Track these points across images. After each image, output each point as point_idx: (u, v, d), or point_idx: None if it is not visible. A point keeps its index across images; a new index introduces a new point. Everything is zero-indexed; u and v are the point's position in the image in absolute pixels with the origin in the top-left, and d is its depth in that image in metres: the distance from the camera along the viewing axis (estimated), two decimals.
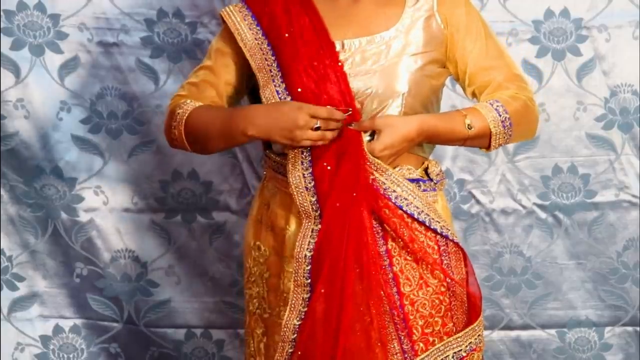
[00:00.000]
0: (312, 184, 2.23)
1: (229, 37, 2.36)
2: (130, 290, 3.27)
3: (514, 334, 3.31)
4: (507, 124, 2.28)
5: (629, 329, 3.30)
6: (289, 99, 2.24)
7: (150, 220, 3.24)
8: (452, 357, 2.28)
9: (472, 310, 2.31)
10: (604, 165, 3.20)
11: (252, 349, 2.45)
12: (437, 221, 2.28)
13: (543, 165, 3.21)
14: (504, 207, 3.24)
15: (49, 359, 3.33)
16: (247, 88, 2.41)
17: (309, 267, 2.24)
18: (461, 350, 2.29)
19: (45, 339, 3.32)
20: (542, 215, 3.23)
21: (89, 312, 3.30)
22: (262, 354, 2.40)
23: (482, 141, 2.30)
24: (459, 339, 2.29)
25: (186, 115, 2.31)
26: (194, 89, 2.38)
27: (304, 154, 2.23)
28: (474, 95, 2.37)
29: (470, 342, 2.30)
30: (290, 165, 2.24)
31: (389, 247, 2.25)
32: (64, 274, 3.28)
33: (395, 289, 2.24)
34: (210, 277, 3.28)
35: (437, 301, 2.28)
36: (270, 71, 2.28)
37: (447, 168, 3.19)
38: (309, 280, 2.25)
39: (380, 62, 2.28)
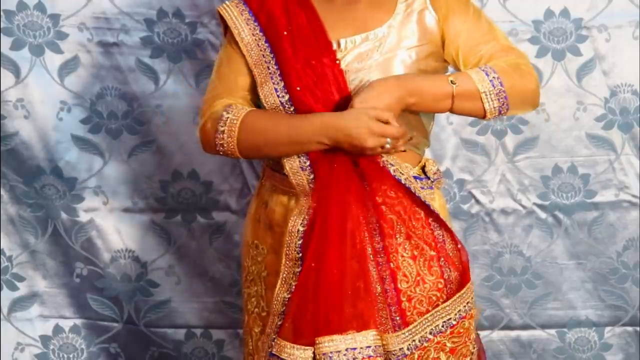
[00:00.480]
0: (308, 163, 2.24)
1: (230, 30, 2.35)
2: (130, 290, 3.28)
3: (514, 334, 3.30)
4: (497, 83, 2.24)
5: (629, 329, 3.30)
6: (287, 97, 2.25)
7: (150, 220, 3.24)
8: (442, 325, 2.27)
9: (462, 278, 2.30)
10: (604, 165, 3.20)
11: (251, 348, 2.46)
12: (420, 190, 2.29)
13: (543, 165, 3.21)
14: (504, 207, 3.24)
15: (49, 359, 3.33)
16: None
17: (300, 242, 2.26)
18: (450, 318, 2.28)
19: (45, 339, 3.32)
20: (542, 215, 3.23)
21: (89, 312, 3.30)
22: (260, 352, 2.41)
23: (474, 104, 2.25)
24: (447, 308, 2.28)
25: (239, 120, 2.26)
26: (225, 83, 2.35)
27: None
28: None
29: (459, 310, 2.29)
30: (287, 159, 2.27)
31: (386, 244, 2.25)
32: (64, 274, 3.28)
33: (392, 285, 2.24)
34: (210, 277, 3.28)
35: (433, 298, 2.29)
36: (268, 68, 2.29)
37: (447, 168, 3.19)
38: (300, 255, 2.26)
39: (375, 58, 2.28)
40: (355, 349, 2.22)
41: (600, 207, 3.22)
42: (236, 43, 2.34)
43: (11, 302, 3.29)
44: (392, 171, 2.26)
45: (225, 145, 2.28)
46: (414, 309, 2.26)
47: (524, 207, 3.23)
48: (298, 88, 2.25)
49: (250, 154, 2.31)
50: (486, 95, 2.24)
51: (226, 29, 2.38)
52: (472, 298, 2.32)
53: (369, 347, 2.23)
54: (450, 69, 2.41)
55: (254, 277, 2.43)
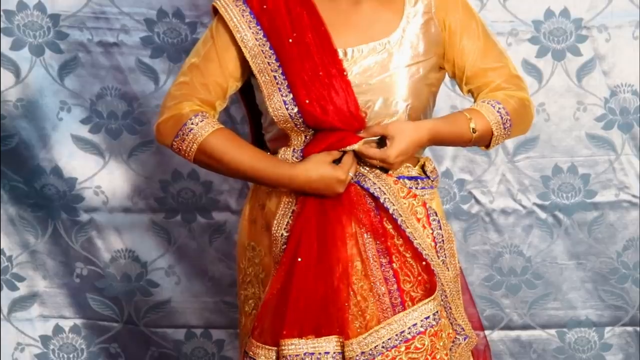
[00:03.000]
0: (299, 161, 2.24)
1: (225, 27, 2.27)
2: (130, 290, 3.28)
3: (514, 334, 3.30)
4: (508, 125, 2.30)
5: (629, 329, 3.30)
6: (296, 109, 2.21)
7: (150, 220, 3.24)
8: (396, 339, 2.20)
9: (425, 292, 2.25)
10: (604, 165, 3.20)
11: None
12: (423, 248, 2.26)
13: (543, 165, 3.21)
14: (504, 207, 3.24)
15: (49, 359, 3.33)
16: (246, 76, 2.33)
17: (284, 247, 2.25)
18: (404, 332, 2.21)
19: (45, 339, 3.32)
20: (542, 215, 3.23)
21: (89, 312, 3.30)
22: None
23: (483, 142, 2.33)
24: (399, 320, 2.21)
25: (203, 137, 2.22)
26: (197, 84, 2.28)
27: (296, 151, 2.25)
28: (470, 92, 2.37)
29: (416, 324, 2.21)
30: (283, 148, 2.27)
31: (389, 244, 2.24)
32: (64, 274, 3.28)
33: (395, 286, 2.24)
34: (210, 277, 3.28)
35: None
36: (275, 78, 2.23)
37: (447, 168, 3.19)
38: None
39: (383, 72, 2.25)
40: (313, 354, 2.20)
41: (600, 207, 3.22)
42: (233, 42, 2.27)
43: (11, 302, 3.29)
44: (382, 200, 2.24)
45: (181, 152, 2.26)
46: None
47: (524, 207, 3.23)
48: (307, 101, 2.21)
49: (204, 168, 2.32)
50: (497, 137, 2.31)
51: (217, 22, 2.30)
52: (435, 315, 2.23)
53: (328, 353, 2.20)
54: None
55: (251, 279, 2.42)
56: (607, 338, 3.31)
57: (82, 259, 3.26)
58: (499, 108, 2.29)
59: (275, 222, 2.28)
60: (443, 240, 2.31)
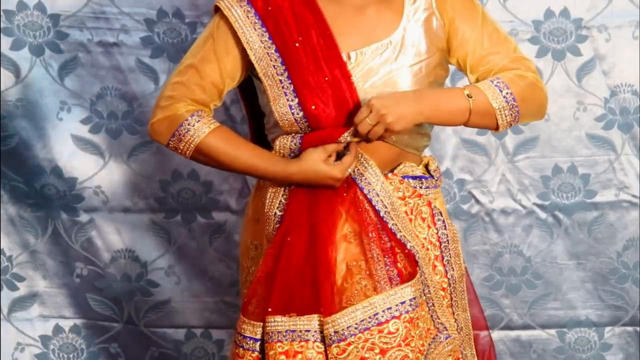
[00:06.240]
0: (298, 146, 2.23)
1: (227, 27, 2.26)
2: (130, 290, 3.28)
3: (514, 334, 3.31)
4: (510, 98, 2.22)
5: (629, 329, 3.30)
6: (301, 114, 2.21)
7: (150, 220, 3.24)
8: (369, 321, 2.18)
9: (405, 277, 2.23)
10: (604, 165, 3.20)
11: None
12: (408, 240, 2.25)
13: (543, 165, 3.21)
14: (504, 207, 3.24)
15: (49, 359, 3.33)
16: (243, 76, 2.33)
17: (277, 226, 2.25)
18: (377, 314, 2.19)
19: (45, 339, 3.32)
20: (542, 215, 3.23)
21: (89, 312, 3.30)
22: None
23: (488, 119, 2.24)
24: (374, 302, 2.19)
25: (200, 139, 2.23)
26: (193, 84, 2.27)
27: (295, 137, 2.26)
28: (477, 81, 2.32)
29: (390, 308, 2.19)
30: (282, 135, 2.26)
31: (393, 244, 2.24)
32: (64, 274, 3.28)
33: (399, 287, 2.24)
34: (210, 277, 3.28)
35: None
36: (281, 82, 2.22)
37: (447, 168, 3.19)
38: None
39: (386, 74, 2.24)
40: (294, 331, 2.21)
41: (600, 207, 3.22)
42: (236, 43, 2.25)
43: (11, 302, 3.29)
44: (374, 202, 2.24)
45: (178, 151, 2.27)
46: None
47: (524, 207, 3.23)
48: (313, 107, 2.20)
49: (202, 164, 2.33)
50: (500, 111, 2.22)
51: (219, 22, 2.28)
52: (412, 301, 2.20)
53: (309, 331, 2.21)
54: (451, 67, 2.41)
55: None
56: (607, 338, 3.31)
57: (82, 259, 3.26)
58: (498, 82, 2.23)
59: (267, 201, 2.27)
60: (448, 240, 2.31)
